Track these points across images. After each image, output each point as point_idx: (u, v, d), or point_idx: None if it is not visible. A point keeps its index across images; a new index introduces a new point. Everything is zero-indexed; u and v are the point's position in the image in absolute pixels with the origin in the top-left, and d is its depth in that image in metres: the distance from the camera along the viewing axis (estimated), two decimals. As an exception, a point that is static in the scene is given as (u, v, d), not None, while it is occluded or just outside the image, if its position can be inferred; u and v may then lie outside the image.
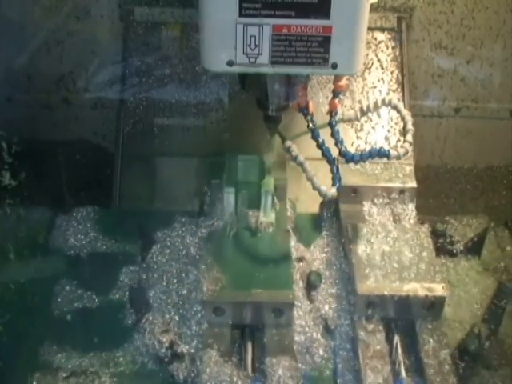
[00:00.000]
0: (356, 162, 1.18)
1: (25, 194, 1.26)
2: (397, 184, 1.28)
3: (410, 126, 1.26)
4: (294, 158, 1.17)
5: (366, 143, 1.45)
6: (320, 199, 1.28)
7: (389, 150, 1.17)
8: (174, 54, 1.48)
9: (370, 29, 1.34)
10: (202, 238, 1.24)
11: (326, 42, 0.98)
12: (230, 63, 1.00)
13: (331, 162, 1.15)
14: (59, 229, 1.32)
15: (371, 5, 0.99)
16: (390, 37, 1.51)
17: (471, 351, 1.09)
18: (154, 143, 1.49)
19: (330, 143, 1.19)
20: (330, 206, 1.30)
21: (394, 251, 1.15)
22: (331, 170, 1.16)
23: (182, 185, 1.44)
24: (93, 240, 1.30)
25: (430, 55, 1.53)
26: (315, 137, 1.16)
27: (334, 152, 1.18)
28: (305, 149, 1.22)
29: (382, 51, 1.51)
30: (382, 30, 1.50)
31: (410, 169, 1.31)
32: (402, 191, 1.28)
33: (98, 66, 1.51)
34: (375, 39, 1.51)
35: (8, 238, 1.23)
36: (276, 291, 1.09)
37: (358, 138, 1.46)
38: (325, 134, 1.19)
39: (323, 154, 1.16)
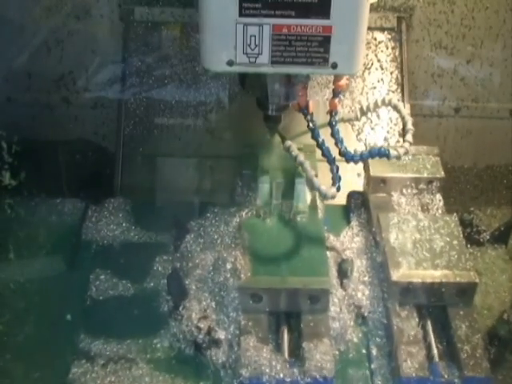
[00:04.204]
0: (356, 162, 1.18)
1: (25, 193, 1.27)
2: (425, 175, 1.30)
3: (410, 125, 1.27)
4: (294, 158, 1.18)
5: (365, 145, 1.46)
6: (346, 191, 1.31)
7: (389, 150, 1.17)
8: (173, 53, 1.48)
9: (369, 29, 1.34)
10: (236, 226, 1.25)
11: (325, 41, 0.98)
12: (230, 63, 1.00)
13: (331, 161, 1.15)
14: (91, 220, 1.34)
15: (371, 5, 0.98)
16: (389, 37, 1.51)
17: (501, 336, 1.12)
18: (154, 143, 1.49)
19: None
20: (358, 197, 1.32)
21: (426, 239, 1.17)
22: (331, 170, 1.16)
23: (182, 184, 1.44)
24: (125, 230, 1.32)
25: (430, 55, 1.53)
26: (315, 137, 1.16)
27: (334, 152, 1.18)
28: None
29: (381, 51, 1.51)
30: (382, 29, 1.50)
31: (436, 160, 1.33)
32: (430, 182, 1.30)
33: (98, 66, 1.51)
34: (375, 39, 1.51)
35: (41, 230, 1.27)
36: (312, 278, 1.11)
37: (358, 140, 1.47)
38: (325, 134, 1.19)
39: (323, 154, 1.16)
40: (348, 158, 1.17)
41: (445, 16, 1.50)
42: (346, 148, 1.17)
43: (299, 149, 1.18)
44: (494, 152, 1.60)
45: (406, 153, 1.21)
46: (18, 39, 1.47)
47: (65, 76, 1.52)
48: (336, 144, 1.18)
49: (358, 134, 1.52)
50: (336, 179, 1.15)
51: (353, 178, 1.35)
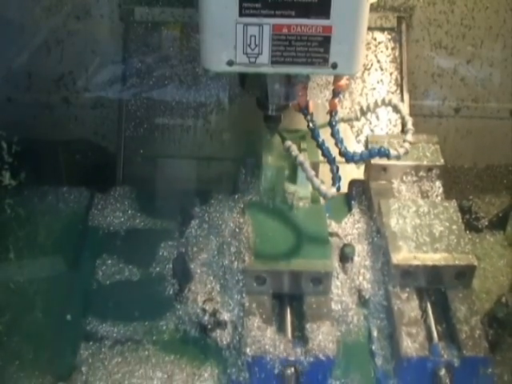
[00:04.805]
0: (356, 162, 1.19)
1: (25, 193, 1.27)
2: (425, 162, 1.31)
3: (409, 125, 1.27)
4: (294, 158, 1.18)
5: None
6: (345, 180, 1.31)
7: (389, 150, 1.17)
8: (174, 54, 1.48)
9: (369, 29, 1.34)
10: (240, 211, 1.27)
11: (325, 41, 0.98)
12: (230, 63, 1.00)
13: (331, 161, 1.15)
14: (97, 207, 1.36)
15: (371, 5, 0.98)
16: (389, 37, 1.51)
17: (499, 318, 1.13)
18: (154, 144, 1.49)
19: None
20: (359, 185, 1.34)
21: (425, 224, 1.19)
22: (331, 170, 1.16)
23: (182, 185, 1.44)
24: (131, 217, 1.34)
25: (430, 55, 1.54)
26: (315, 137, 1.16)
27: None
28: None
29: (381, 52, 1.51)
30: (382, 29, 1.51)
31: (436, 148, 1.34)
32: (430, 169, 1.31)
33: (98, 66, 1.52)
34: (375, 39, 1.51)
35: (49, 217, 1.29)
36: (315, 260, 1.12)
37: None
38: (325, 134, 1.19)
39: (323, 154, 1.16)
40: (348, 158, 1.17)
41: (445, 16, 1.50)
42: (345, 148, 1.17)
43: (303, 149, 1.18)
44: (493, 152, 1.60)
45: (406, 153, 1.21)
46: (18, 39, 1.48)
47: (65, 76, 1.53)
48: (336, 144, 1.18)
49: (358, 135, 1.52)
50: (336, 179, 1.15)
51: (352, 168, 1.36)
